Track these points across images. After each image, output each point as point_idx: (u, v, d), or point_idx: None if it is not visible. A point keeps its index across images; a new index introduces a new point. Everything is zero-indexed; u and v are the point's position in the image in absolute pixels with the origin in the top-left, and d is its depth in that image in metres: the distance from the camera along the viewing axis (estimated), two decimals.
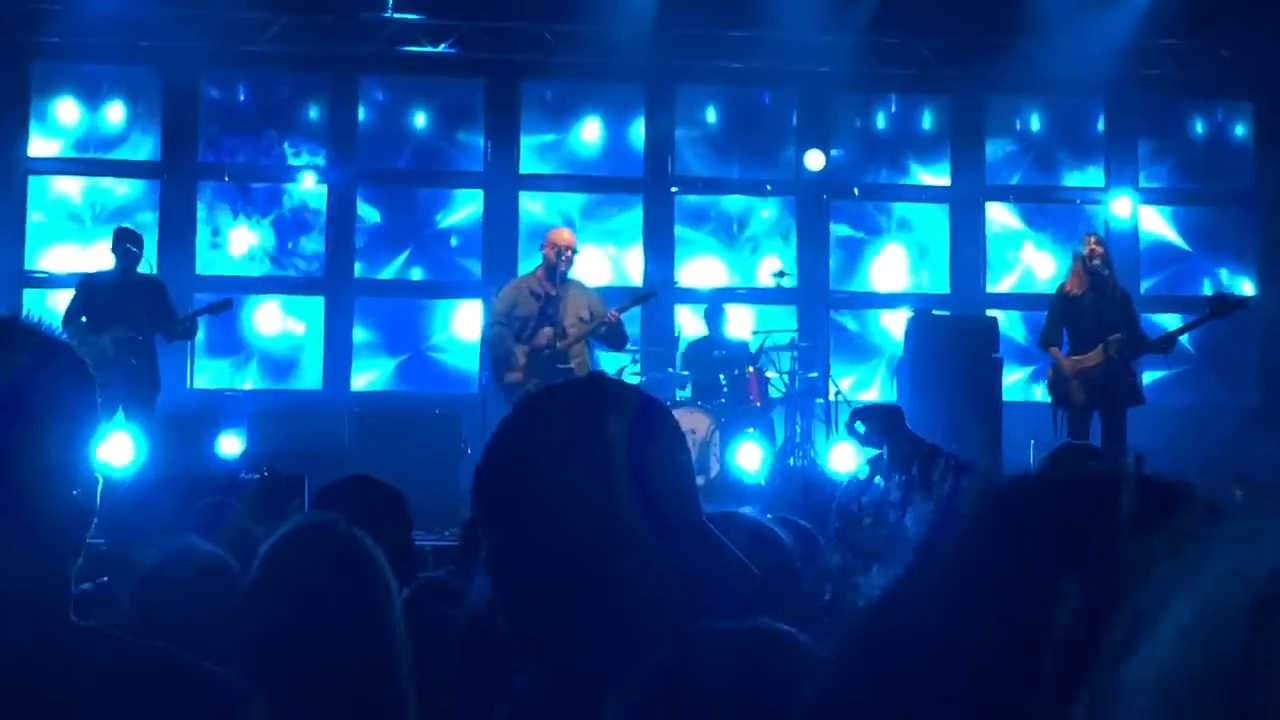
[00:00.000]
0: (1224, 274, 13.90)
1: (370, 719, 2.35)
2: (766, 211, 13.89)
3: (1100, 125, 14.13)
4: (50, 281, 12.72)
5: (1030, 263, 13.98)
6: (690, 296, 13.26)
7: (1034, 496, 0.87)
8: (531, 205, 13.58)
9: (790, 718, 0.86)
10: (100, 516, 1.55)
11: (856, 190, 13.92)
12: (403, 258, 13.50)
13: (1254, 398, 13.26)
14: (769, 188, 13.85)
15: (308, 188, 13.34)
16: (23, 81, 12.96)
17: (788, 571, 2.36)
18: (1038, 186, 14.12)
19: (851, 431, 4.40)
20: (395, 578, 2.62)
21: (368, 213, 13.51)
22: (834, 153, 13.57)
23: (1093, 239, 10.21)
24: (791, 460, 10.65)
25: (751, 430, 10.68)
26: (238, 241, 13.29)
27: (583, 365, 9.87)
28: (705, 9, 12.55)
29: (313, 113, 13.51)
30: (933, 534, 0.87)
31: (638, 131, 13.67)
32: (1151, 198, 14.09)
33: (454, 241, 13.58)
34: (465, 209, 13.56)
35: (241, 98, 13.57)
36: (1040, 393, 11.57)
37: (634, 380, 10.88)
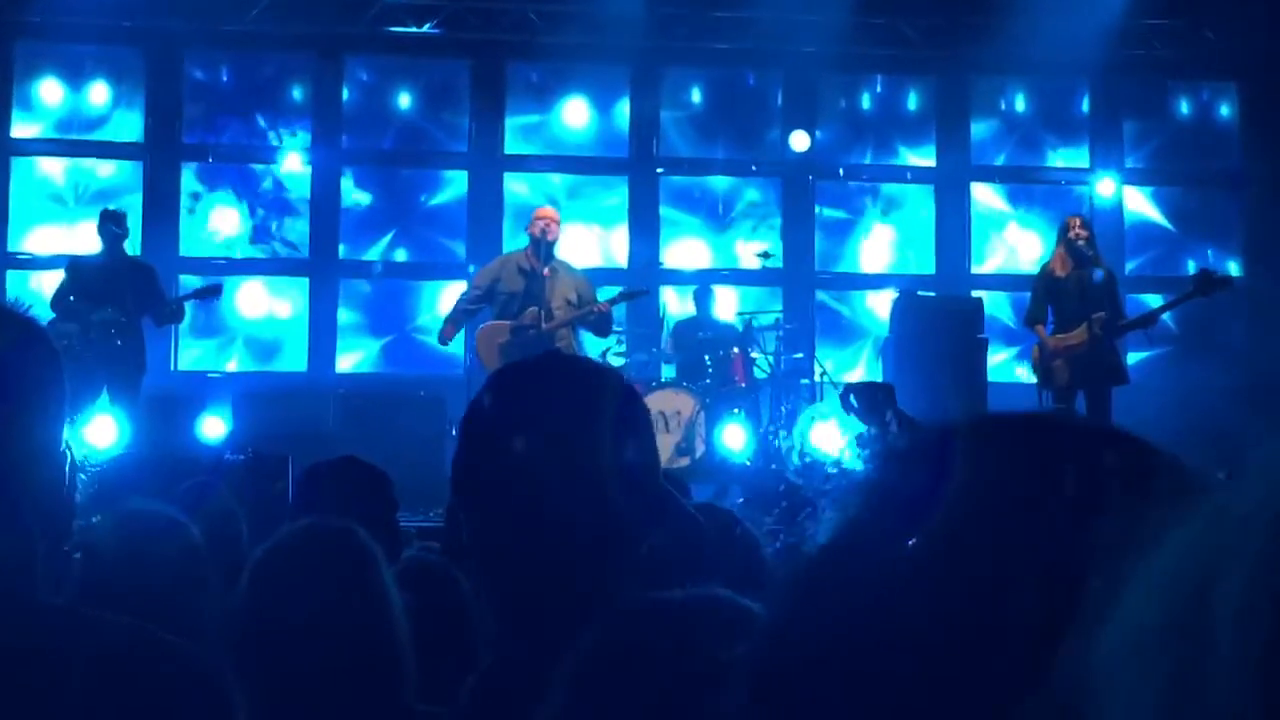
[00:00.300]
0: (1209, 255, 13.92)
1: (370, 695, 2.37)
2: (752, 192, 13.89)
3: (1085, 106, 14.14)
4: (33, 263, 12.68)
5: (1015, 243, 14.00)
6: (675, 278, 13.27)
7: (1005, 435, 0.84)
8: (517, 186, 13.55)
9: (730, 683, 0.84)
10: (84, 497, 1.58)
11: (841, 171, 13.92)
12: (387, 239, 13.47)
13: (1238, 379, 13.28)
14: (754, 169, 13.84)
15: (292, 168, 13.29)
16: (5, 61, 12.89)
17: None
18: (1023, 167, 14.13)
19: (845, 406, 4.45)
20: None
21: (352, 194, 13.47)
22: (818, 134, 13.55)
23: (1077, 220, 10.24)
24: (776, 441, 10.66)
25: (737, 411, 10.70)
26: (222, 222, 13.24)
27: (568, 349, 9.84)
28: None
29: (297, 93, 13.46)
30: (880, 475, 0.85)
31: (622, 112, 13.65)
32: (1136, 178, 14.11)
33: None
34: (449, 190, 13.55)
35: (225, 78, 13.51)
36: (1025, 373, 11.60)
37: (619, 361, 10.91)
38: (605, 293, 10.58)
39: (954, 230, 13.78)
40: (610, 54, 12.86)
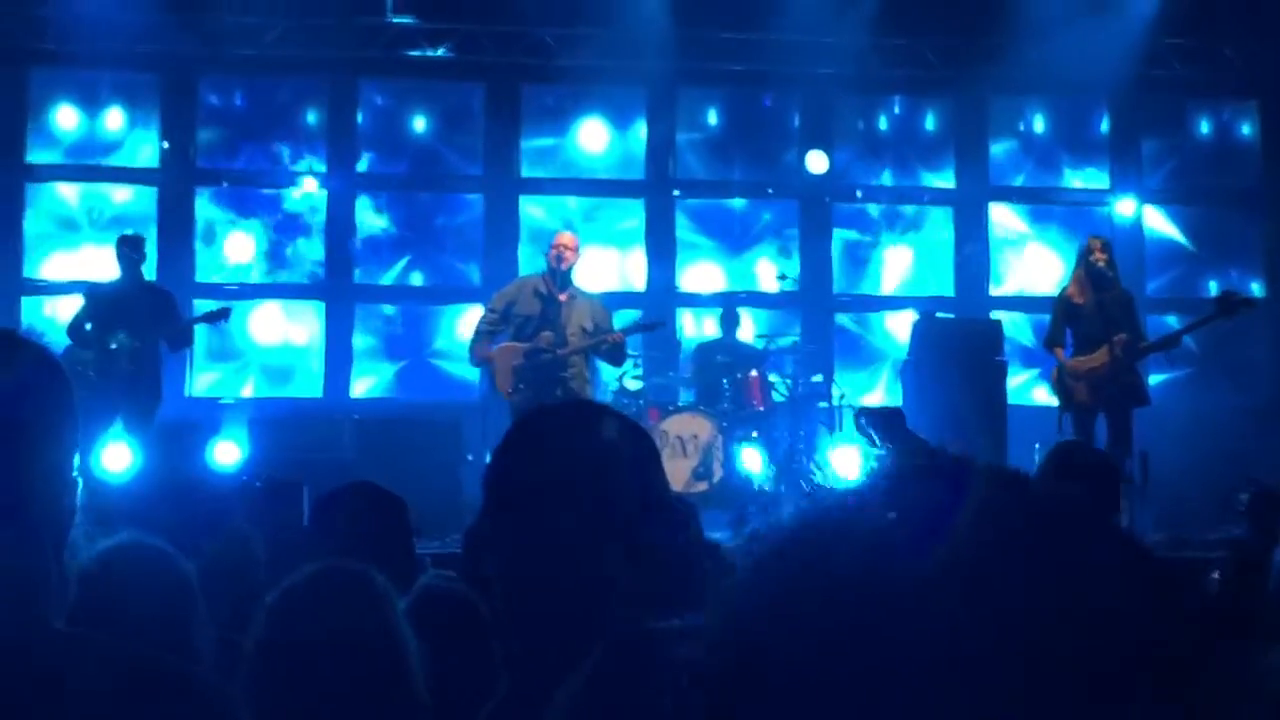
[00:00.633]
0: (1232, 275, 13.81)
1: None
2: (768, 215, 13.84)
3: (1104, 126, 14.07)
4: (48, 289, 12.68)
5: (1035, 265, 13.91)
6: (692, 301, 13.22)
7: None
8: (532, 209, 13.51)
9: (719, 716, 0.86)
10: (97, 524, 1.60)
11: (859, 193, 13.85)
12: (403, 263, 13.44)
13: (1261, 399, 13.17)
14: (771, 191, 13.79)
15: (307, 193, 13.28)
16: (21, 88, 12.92)
17: None
18: (1042, 188, 14.06)
19: (859, 430, 4.45)
20: (397, 584, 2.62)
21: (367, 218, 13.44)
22: (835, 156, 13.49)
23: (1097, 242, 10.15)
24: (794, 465, 10.58)
25: (755, 434, 10.63)
26: (237, 247, 13.23)
27: (580, 376, 9.78)
28: (706, 11, 12.49)
29: (311, 118, 13.46)
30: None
31: (638, 134, 13.61)
32: (1156, 198, 14.03)
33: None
34: (465, 213, 13.51)
35: (240, 103, 13.52)
36: (1045, 395, 11.50)
37: (636, 385, 10.86)
38: (622, 317, 10.52)
39: (973, 251, 13.69)
40: (626, 76, 12.83)
